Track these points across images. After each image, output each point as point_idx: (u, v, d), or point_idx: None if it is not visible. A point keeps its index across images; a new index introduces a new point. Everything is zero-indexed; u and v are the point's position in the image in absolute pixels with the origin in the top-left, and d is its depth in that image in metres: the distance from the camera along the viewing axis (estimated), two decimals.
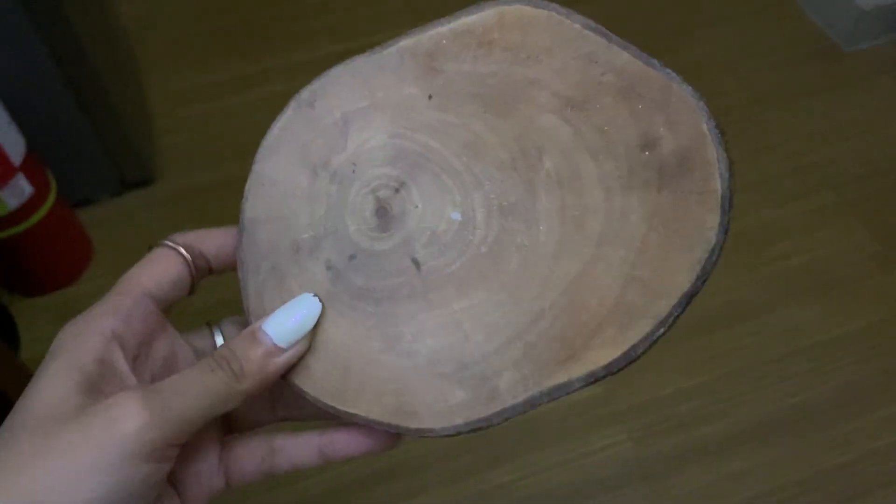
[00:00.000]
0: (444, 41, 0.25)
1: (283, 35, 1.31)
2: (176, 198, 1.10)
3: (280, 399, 0.28)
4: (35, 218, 0.92)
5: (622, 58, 0.24)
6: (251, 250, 0.26)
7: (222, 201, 1.08)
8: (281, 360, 0.24)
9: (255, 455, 0.26)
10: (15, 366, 0.76)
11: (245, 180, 0.27)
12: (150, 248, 0.26)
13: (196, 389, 0.22)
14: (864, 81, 1.19)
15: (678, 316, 0.21)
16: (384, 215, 0.25)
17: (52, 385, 0.22)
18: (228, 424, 0.28)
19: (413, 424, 0.23)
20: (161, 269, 0.25)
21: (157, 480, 0.22)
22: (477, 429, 0.23)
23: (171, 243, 0.26)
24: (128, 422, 0.21)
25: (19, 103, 0.90)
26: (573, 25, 0.24)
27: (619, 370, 0.21)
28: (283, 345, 0.24)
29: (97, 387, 0.22)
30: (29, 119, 0.91)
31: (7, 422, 0.22)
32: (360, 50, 0.25)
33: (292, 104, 0.27)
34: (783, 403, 0.88)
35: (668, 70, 0.24)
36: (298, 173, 0.26)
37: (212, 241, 0.27)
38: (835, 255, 0.99)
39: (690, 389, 0.89)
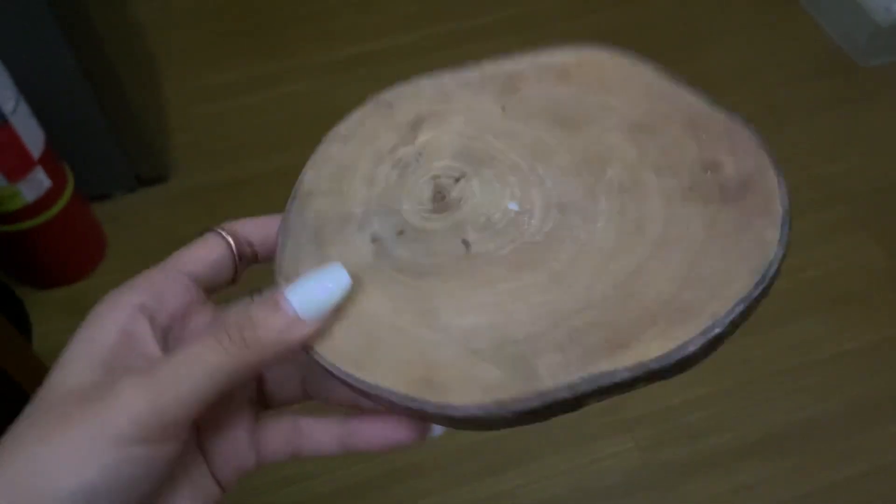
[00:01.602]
0: (525, 69, 0.27)
1: (301, 36, 1.32)
2: (190, 195, 1.11)
3: (309, 377, 0.27)
4: (52, 211, 0.93)
5: (689, 98, 0.25)
6: (298, 218, 0.26)
7: (237, 199, 1.09)
8: (300, 333, 0.22)
9: (281, 435, 0.25)
10: (28, 357, 0.77)
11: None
12: (197, 234, 0.26)
13: (199, 366, 0.21)
14: (879, 97, 1.19)
15: (735, 320, 0.21)
16: (441, 200, 0.25)
17: (73, 360, 0.22)
18: (263, 399, 0.27)
19: (435, 398, 0.21)
20: (203, 251, 0.25)
21: (164, 459, 0.21)
22: (510, 413, 0.20)
23: (218, 229, 0.26)
24: (121, 408, 0.20)
25: (40, 98, 0.90)
26: (645, 69, 0.26)
27: (670, 368, 0.20)
28: (305, 317, 0.22)
29: (117, 362, 0.22)
30: (48, 113, 0.92)
31: (35, 395, 0.22)
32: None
33: (370, 101, 0.28)
34: (792, 416, 0.88)
35: (733, 113, 0.25)
36: (363, 158, 0.27)
37: (258, 228, 0.26)
38: (846, 269, 0.99)
39: (699, 400, 0.89)
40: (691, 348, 0.20)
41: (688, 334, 0.20)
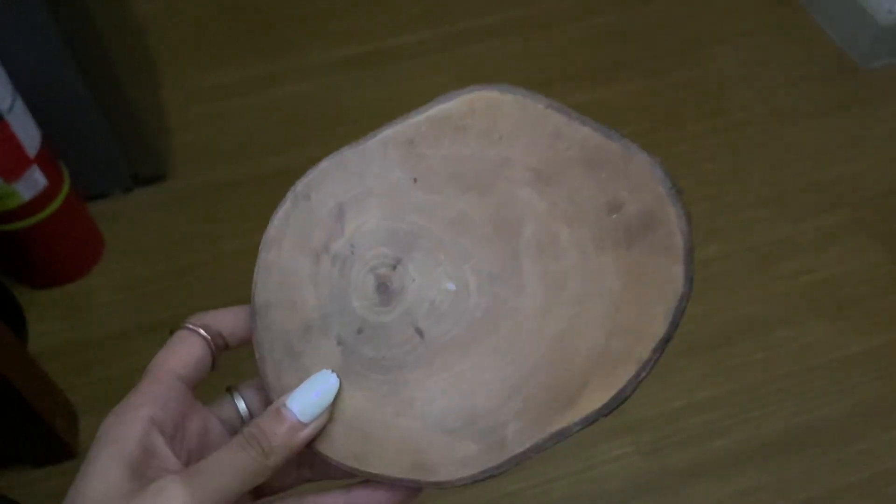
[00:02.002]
0: (423, 128, 0.28)
1: (300, 36, 1.31)
2: (188, 195, 1.10)
3: (305, 463, 0.30)
4: (48, 210, 0.92)
5: (582, 132, 0.26)
6: (265, 334, 0.29)
7: (234, 200, 1.08)
8: (305, 434, 0.26)
9: None
10: (23, 358, 0.76)
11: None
12: (171, 332, 0.29)
13: (230, 469, 0.25)
14: (881, 99, 1.18)
15: (657, 359, 0.24)
16: (385, 291, 0.27)
17: (103, 473, 0.24)
18: (257, 489, 0.30)
19: (431, 478, 0.25)
20: (186, 352, 0.28)
21: None
22: (490, 476, 0.25)
23: (191, 326, 0.29)
24: (174, 500, 0.24)
25: (36, 95, 0.90)
26: (537, 106, 0.27)
27: (611, 411, 0.24)
28: (305, 420, 0.26)
29: (142, 471, 0.25)
30: (45, 111, 0.91)
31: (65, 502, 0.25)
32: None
33: (289, 196, 0.29)
34: (794, 421, 0.87)
35: (625, 140, 0.26)
36: (302, 259, 0.29)
37: (226, 320, 0.29)
38: (849, 273, 0.99)
39: (701, 403, 0.88)
40: (626, 392, 0.24)
41: (621, 382, 0.24)
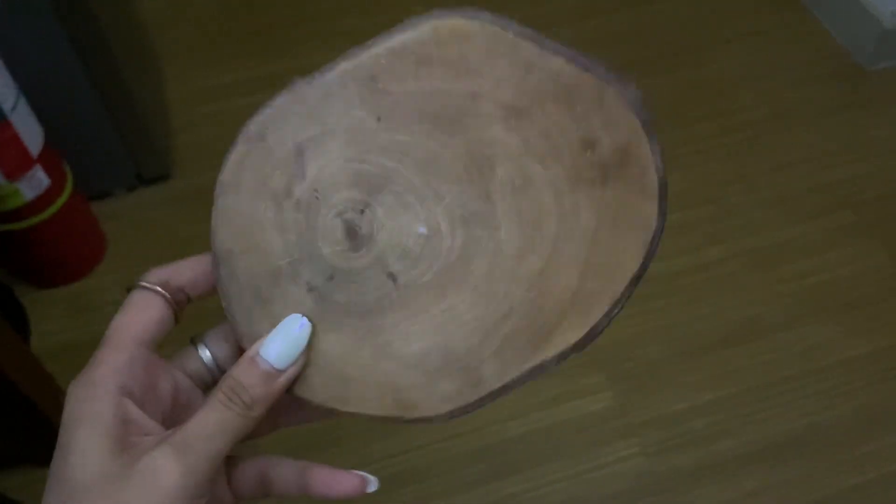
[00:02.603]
0: (384, 61, 0.26)
1: (304, 36, 1.31)
2: (191, 194, 1.10)
3: (280, 410, 0.29)
4: (51, 210, 0.92)
5: (556, 63, 0.25)
6: (231, 282, 0.27)
7: None
8: (282, 381, 0.26)
9: (253, 473, 0.28)
10: (26, 357, 0.76)
11: None
12: (127, 290, 0.27)
13: (217, 430, 0.24)
14: (886, 101, 1.18)
15: (630, 295, 0.25)
16: (355, 236, 0.26)
17: (85, 455, 0.23)
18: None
19: (413, 414, 0.26)
20: (146, 314, 0.27)
21: None
22: (468, 412, 0.26)
23: (147, 284, 0.27)
24: (169, 475, 0.23)
25: (39, 94, 0.90)
26: (507, 35, 0.25)
27: (584, 347, 0.25)
28: (281, 366, 0.26)
29: (123, 444, 0.24)
30: (48, 110, 0.91)
31: (48, 496, 0.24)
32: None
33: (241, 138, 0.27)
34: (799, 423, 0.87)
35: (601, 68, 0.25)
36: (262, 204, 0.27)
37: (186, 272, 0.28)
38: (853, 275, 0.98)
39: (706, 405, 0.88)
40: (599, 329, 0.25)
41: (594, 319, 0.25)
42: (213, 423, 0.24)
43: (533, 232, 0.25)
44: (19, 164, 0.85)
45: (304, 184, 0.27)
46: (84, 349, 1.08)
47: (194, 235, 1.09)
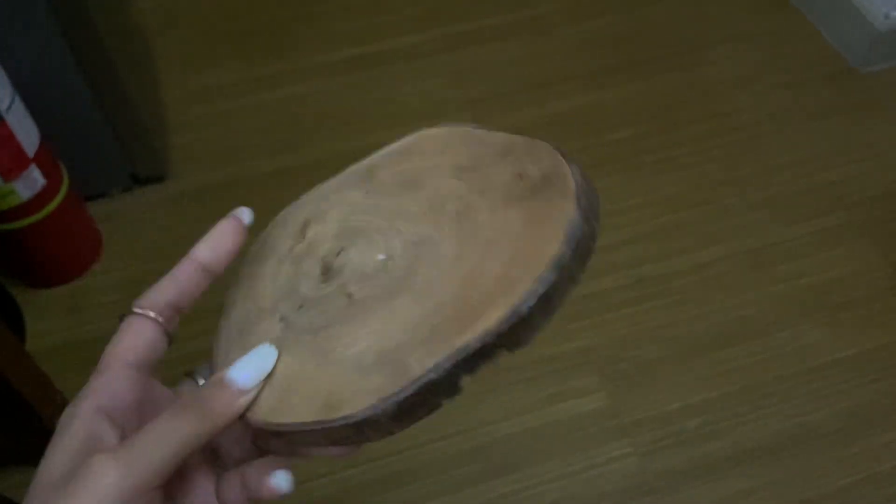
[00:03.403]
0: (379, 159, 0.34)
1: (301, 38, 1.31)
2: (187, 195, 1.10)
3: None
4: (47, 210, 0.92)
5: (499, 137, 0.32)
6: (224, 325, 0.32)
7: (233, 200, 1.08)
8: (244, 400, 0.27)
9: (236, 485, 0.29)
10: (21, 356, 0.76)
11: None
12: (120, 318, 0.29)
13: (161, 437, 0.25)
14: (878, 103, 1.19)
15: (554, 279, 0.25)
16: (327, 271, 0.30)
17: (50, 461, 0.25)
18: (222, 463, 0.31)
19: (337, 414, 0.26)
20: (136, 338, 0.28)
21: None
22: (395, 402, 0.25)
23: (138, 310, 0.29)
24: (104, 477, 0.24)
25: (36, 94, 0.90)
26: (464, 128, 0.33)
27: (509, 328, 0.25)
28: (245, 387, 0.27)
29: (83, 457, 0.25)
30: (44, 111, 0.91)
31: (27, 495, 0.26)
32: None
33: (270, 224, 0.35)
34: (790, 423, 0.87)
35: (530, 137, 0.31)
36: (268, 264, 0.33)
37: (170, 289, 0.30)
38: (845, 276, 0.99)
39: (698, 405, 0.88)
40: (522, 308, 0.25)
41: (517, 297, 0.25)
42: (159, 430, 0.25)
43: (470, 241, 0.28)
44: (15, 163, 0.86)
45: (303, 244, 0.32)
46: (79, 349, 1.09)
47: (189, 235, 1.09)
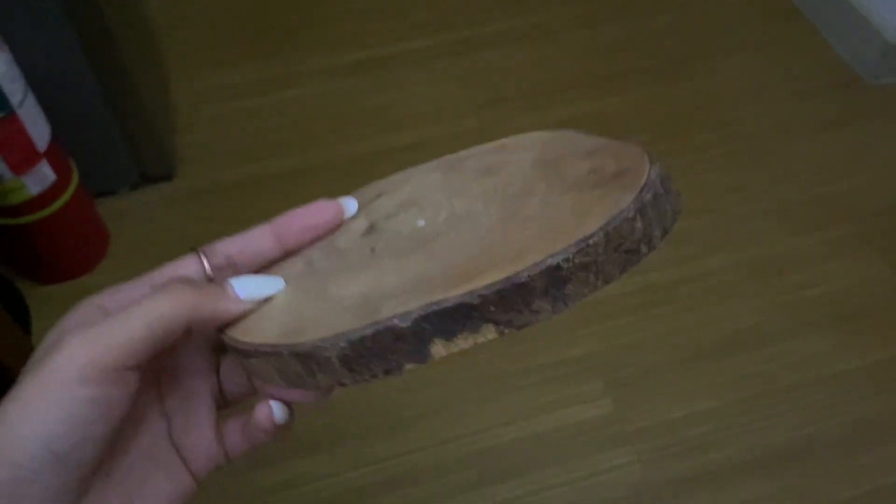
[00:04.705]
0: (474, 152, 0.33)
1: (310, 40, 1.32)
2: (194, 195, 1.10)
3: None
4: (55, 206, 0.92)
5: (594, 140, 0.30)
6: None
7: (240, 200, 1.09)
8: (232, 307, 0.27)
9: (238, 428, 0.29)
10: (28, 350, 0.76)
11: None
12: (190, 249, 0.29)
13: (136, 311, 0.24)
14: (887, 115, 1.18)
15: (573, 256, 0.23)
16: (370, 230, 0.30)
17: (41, 347, 0.26)
18: (224, 400, 0.31)
19: (290, 341, 0.24)
20: (173, 267, 0.28)
21: (113, 402, 0.24)
22: (349, 340, 0.23)
23: (199, 248, 0.29)
24: (69, 348, 0.23)
25: (47, 90, 0.90)
26: (567, 132, 0.32)
27: (500, 297, 0.22)
28: (237, 296, 0.27)
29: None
30: (55, 106, 0.92)
31: None
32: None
33: (352, 194, 0.34)
34: (795, 434, 0.87)
35: (626, 142, 0.29)
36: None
37: (237, 241, 0.29)
38: (852, 287, 0.99)
39: (702, 414, 0.88)
40: (522, 277, 0.22)
41: (519, 268, 0.22)
42: (136, 307, 0.24)
43: (509, 219, 0.27)
44: (25, 158, 0.86)
45: (367, 209, 0.32)
46: None
47: (196, 235, 1.10)
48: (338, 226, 0.31)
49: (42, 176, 0.89)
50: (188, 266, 0.28)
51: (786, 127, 1.17)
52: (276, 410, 0.28)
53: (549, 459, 0.86)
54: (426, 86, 1.24)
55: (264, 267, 0.30)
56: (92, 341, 0.23)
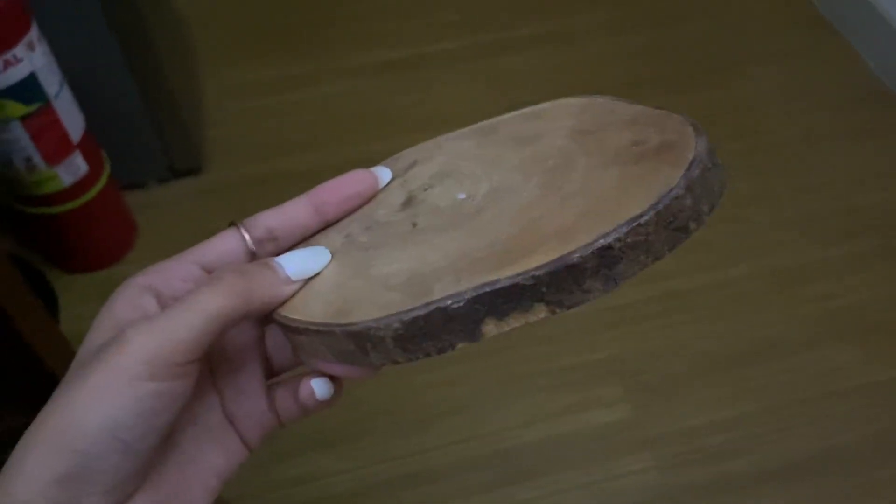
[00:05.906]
0: (508, 118, 0.32)
1: (338, 38, 1.33)
2: (222, 189, 1.12)
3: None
4: (87, 196, 0.94)
5: (634, 108, 0.29)
6: None
7: (267, 195, 1.09)
8: (286, 289, 0.26)
9: (290, 394, 0.29)
10: (57, 337, 0.78)
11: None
12: (230, 224, 0.29)
13: (196, 306, 0.24)
14: None
15: (624, 235, 0.22)
16: (408, 203, 0.29)
17: (94, 330, 0.26)
18: (272, 368, 0.31)
19: (343, 320, 0.25)
20: (217, 243, 0.28)
21: (177, 393, 0.24)
22: (402, 319, 0.23)
23: (240, 223, 0.29)
24: (132, 343, 0.23)
25: (82, 83, 0.92)
26: (604, 99, 0.31)
27: (552, 277, 0.22)
28: (291, 276, 0.27)
29: (128, 323, 0.25)
30: (89, 99, 0.93)
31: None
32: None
33: (383, 162, 0.34)
34: (815, 445, 0.86)
35: (667, 111, 0.28)
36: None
37: (279, 214, 0.29)
38: (877, 299, 0.98)
39: (722, 422, 0.88)
40: (574, 258, 0.22)
41: (571, 248, 0.22)
42: (195, 301, 0.24)
43: (551, 193, 0.26)
44: (59, 148, 0.88)
45: (400, 179, 0.31)
46: None
47: (221, 229, 1.11)
48: (373, 196, 0.31)
49: (75, 167, 0.91)
50: (230, 241, 0.28)
51: (814, 137, 1.16)
52: (319, 388, 0.28)
53: (568, 462, 0.86)
54: (452, 87, 1.25)
55: (304, 239, 0.30)
56: (156, 337, 0.24)
